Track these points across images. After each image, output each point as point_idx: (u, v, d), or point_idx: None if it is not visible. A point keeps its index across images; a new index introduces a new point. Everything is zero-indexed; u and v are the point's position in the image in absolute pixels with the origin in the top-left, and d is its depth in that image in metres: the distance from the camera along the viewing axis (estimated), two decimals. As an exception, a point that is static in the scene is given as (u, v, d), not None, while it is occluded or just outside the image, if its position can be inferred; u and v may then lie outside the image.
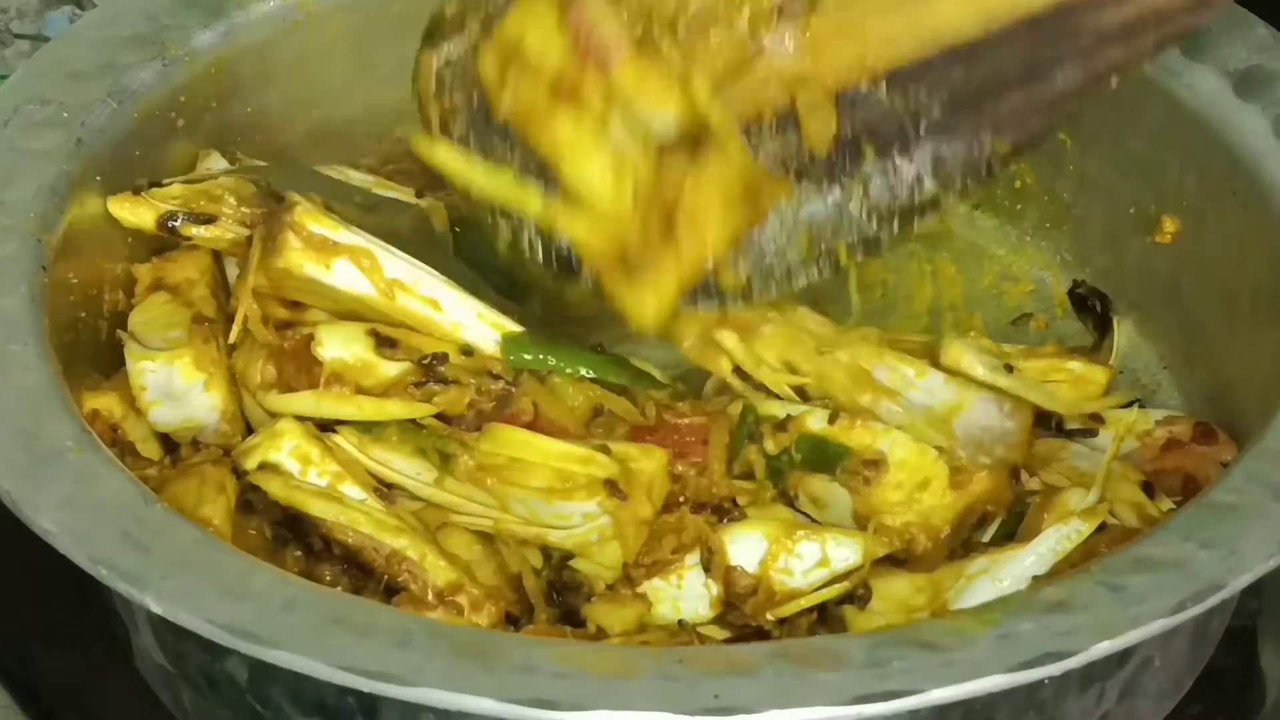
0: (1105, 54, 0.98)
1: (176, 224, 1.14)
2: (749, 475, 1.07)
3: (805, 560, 1.02)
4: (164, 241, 1.15)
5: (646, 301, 1.03)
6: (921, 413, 1.07)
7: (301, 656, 0.82)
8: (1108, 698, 0.96)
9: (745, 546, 1.02)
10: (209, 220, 1.14)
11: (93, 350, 1.10)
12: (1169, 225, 1.19)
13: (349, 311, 1.09)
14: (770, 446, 1.07)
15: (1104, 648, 0.84)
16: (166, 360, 1.10)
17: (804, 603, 1.01)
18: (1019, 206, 1.29)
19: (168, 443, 1.09)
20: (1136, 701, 0.98)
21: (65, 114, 1.12)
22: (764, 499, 1.06)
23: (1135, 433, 1.12)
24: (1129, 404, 1.19)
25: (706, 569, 1.01)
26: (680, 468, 1.05)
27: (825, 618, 1.02)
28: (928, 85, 0.99)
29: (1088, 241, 1.24)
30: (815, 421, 1.06)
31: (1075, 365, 1.15)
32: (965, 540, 1.06)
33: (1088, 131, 1.22)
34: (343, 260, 1.08)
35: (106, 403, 1.07)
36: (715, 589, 1.01)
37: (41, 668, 1.07)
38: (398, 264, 1.09)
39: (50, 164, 1.09)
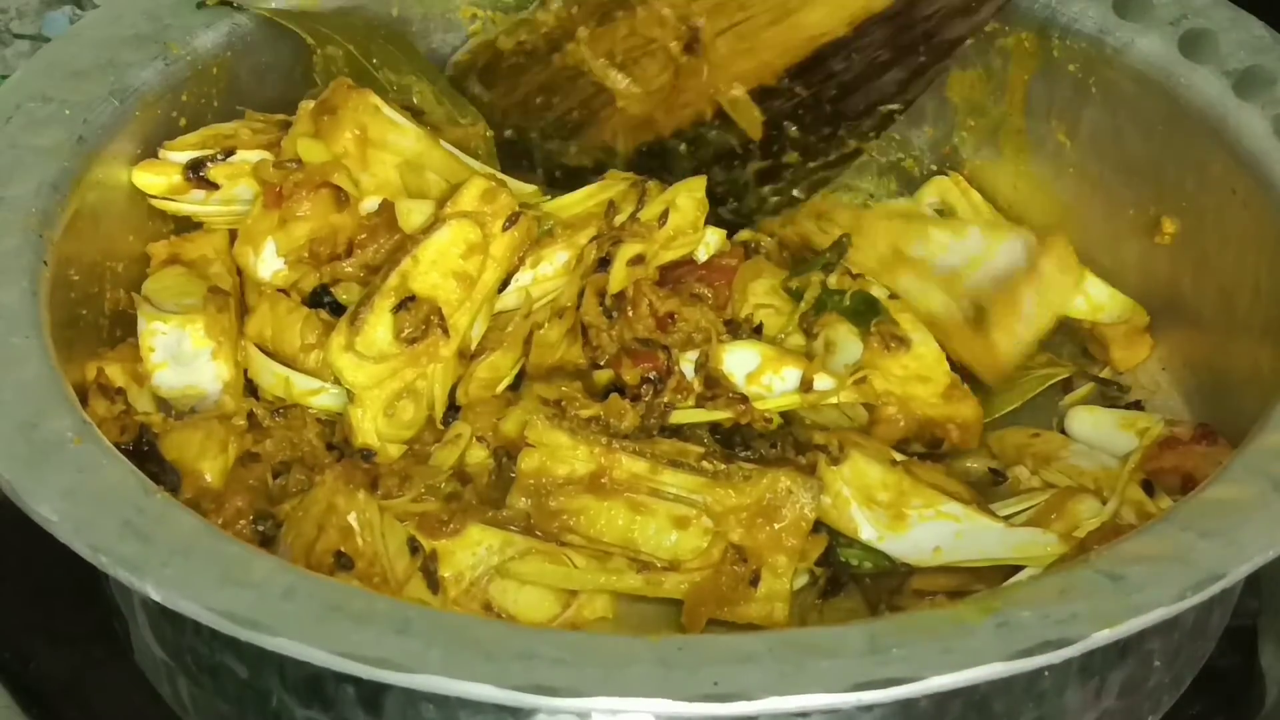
0: (950, 30, 1.19)
1: (204, 169, 1.15)
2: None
3: (786, 383, 1.15)
4: (173, 229, 1.17)
5: None
6: (940, 278, 1.17)
7: (301, 643, 0.82)
8: (1107, 693, 0.96)
9: (740, 360, 1.16)
10: (231, 152, 1.16)
11: (94, 345, 1.11)
12: (1169, 225, 1.19)
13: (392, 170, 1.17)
14: (833, 281, 1.19)
15: (1103, 636, 0.84)
16: (179, 324, 1.11)
17: (770, 405, 1.14)
18: (1019, 207, 1.29)
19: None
20: (1136, 698, 0.98)
21: (67, 111, 1.12)
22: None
23: (1149, 437, 1.12)
24: (1132, 404, 1.20)
25: (698, 369, 1.15)
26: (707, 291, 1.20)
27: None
28: (821, 75, 1.21)
29: (1088, 241, 1.24)
30: (877, 290, 1.18)
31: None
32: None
33: (1088, 132, 1.23)
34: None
35: (111, 370, 1.09)
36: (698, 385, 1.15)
37: (42, 666, 1.08)
38: None
39: (52, 161, 1.09)
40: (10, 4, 1.55)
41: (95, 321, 1.11)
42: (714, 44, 1.22)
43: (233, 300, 1.14)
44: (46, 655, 1.08)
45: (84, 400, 1.04)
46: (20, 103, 1.12)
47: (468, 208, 1.12)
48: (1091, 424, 1.17)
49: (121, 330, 1.13)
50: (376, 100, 1.17)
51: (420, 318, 1.09)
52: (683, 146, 1.27)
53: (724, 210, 1.28)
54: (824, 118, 1.24)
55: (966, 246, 1.18)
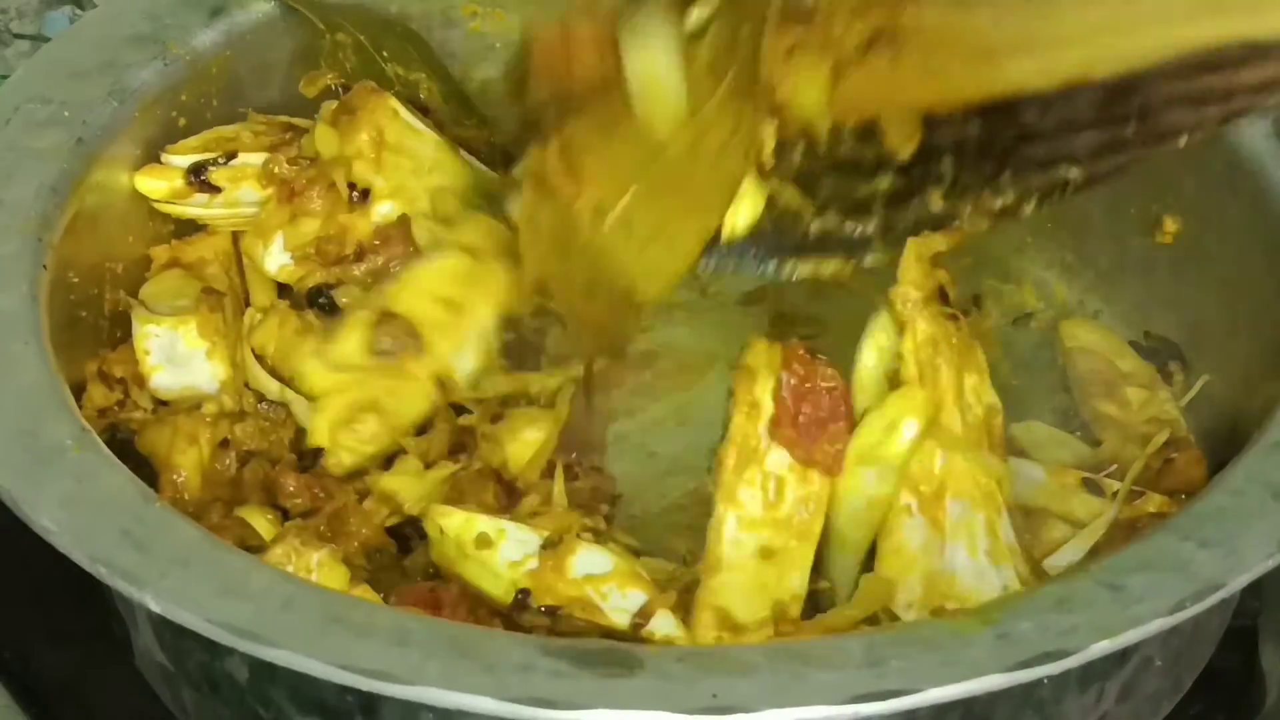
0: (1170, 117, 1.01)
1: (205, 173, 1.15)
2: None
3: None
4: (174, 230, 1.17)
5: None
6: None
7: (300, 655, 0.82)
8: (1107, 697, 0.96)
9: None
10: (233, 155, 1.16)
11: (94, 349, 1.11)
12: (1169, 225, 1.19)
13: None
14: None
15: (1103, 647, 0.84)
16: (171, 325, 1.12)
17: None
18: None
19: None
20: (1136, 701, 0.98)
21: (66, 113, 1.12)
22: None
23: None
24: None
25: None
26: None
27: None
28: (1007, 120, 1.04)
29: (1089, 241, 1.24)
30: None
31: None
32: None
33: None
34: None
35: (113, 370, 1.10)
36: None
37: (41, 667, 1.08)
38: None
39: (51, 163, 1.09)
40: (10, 4, 1.55)
41: (95, 324, 1.11)
42: (898, 60, 1.04)
43: (229, 300, 1.14)
44: (47, 655, 1.08)
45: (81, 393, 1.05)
46: (19, 104, 1.12)
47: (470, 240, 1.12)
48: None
49: (122, 332, 1.13)
50: (395, 104, 1.17)
51: (397, 334, 1.09)
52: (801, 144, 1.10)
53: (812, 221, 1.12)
54: (990, 156, 1.06)
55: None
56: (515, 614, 0.99)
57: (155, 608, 0.85)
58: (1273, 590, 1.10)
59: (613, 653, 0.85)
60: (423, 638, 0.84)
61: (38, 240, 1.04)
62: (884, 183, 1.08)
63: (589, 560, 0.99)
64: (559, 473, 1.07)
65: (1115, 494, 1.07)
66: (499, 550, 1.00)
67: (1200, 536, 0.89)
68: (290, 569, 0.98)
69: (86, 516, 0.89)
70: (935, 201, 1.07)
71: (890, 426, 1.01)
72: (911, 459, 1.02)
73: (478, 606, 0.99)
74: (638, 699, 0.81)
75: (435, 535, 1.02)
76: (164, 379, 1.11)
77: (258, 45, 1.22)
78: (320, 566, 0.99)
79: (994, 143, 1.05)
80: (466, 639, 0.85)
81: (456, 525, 1.01)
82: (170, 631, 0.96)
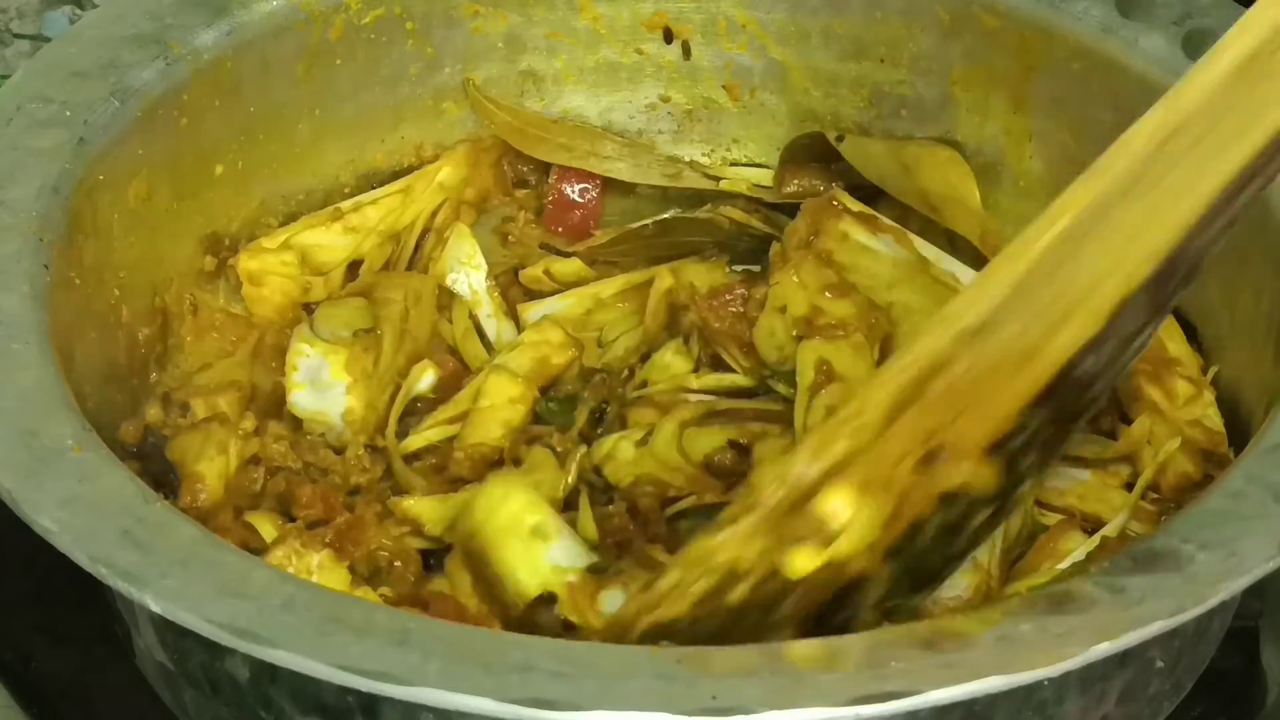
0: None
1: None
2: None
3: None
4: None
5: None
6: None
7: (300, 656, 0.82)
8: (1108, 699, 0.95)
9: None
10: None
11: (95, 352, 1.11)
12: (1171, 225, 1.18)
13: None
14: None
15: (1103, 649, 0.84)
16: (323, 351, 1.15)
17: None
18: (1021, 207, 1.28)
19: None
20: (1138, 703, 0.98)
21: (68, 113, 1.12)
22: None
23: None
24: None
25: None
26: None
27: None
28: (1070, 386, 0.93)
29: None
30: None
31: None
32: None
33: (1089, 132, 1.22)
34: (885, 235, 1.23)
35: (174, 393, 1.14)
36: None
37: (42, 667, 1.08)
38: (924, 243, 1.24)
39: (53, 163, 1.09)
40: (10, 4, 1.55)
41: (96, 326, 1.11)
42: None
43: (388, 343, 1.17)
44: (47, 655, 1.08)
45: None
46: (21, 104, 1.12)
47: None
48: None
49: (123, 334, 1.13)
50: None
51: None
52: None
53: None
54: (1065, 422, 0.94)
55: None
56: (533, 609, 1.00)
57: (155, 608, 0.85)
58: (1274, 592, 1.10)
59: (612, 654, 0.85)
60: (422, 638, 0.83)
61: (39, 241, 1.04)
62: (979, 519, 0.95)
63: (616, 601, 1.00)
64: (583, 500, 1.09)
65: (1143, 495, 1.08)
66: (549, 548, 1.01)
67: (1201, 538, 0.89)
68: (291, 570, 0.98)
69: (87, 516, 0.89)
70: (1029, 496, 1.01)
71: None
72: None
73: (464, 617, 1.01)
74: (638, 699, 0.81)
75: (495, 496, 1.03)
76: (303, 398, 1.15)
77: (260, 45, 1.22)
78: (320, 568, 1.00)
79: (1065, 411, 0.94)
80: (466, 639, 0.85)
81: (522, 503, 1.02)
82: (171, 632, 0.96)
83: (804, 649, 0.85)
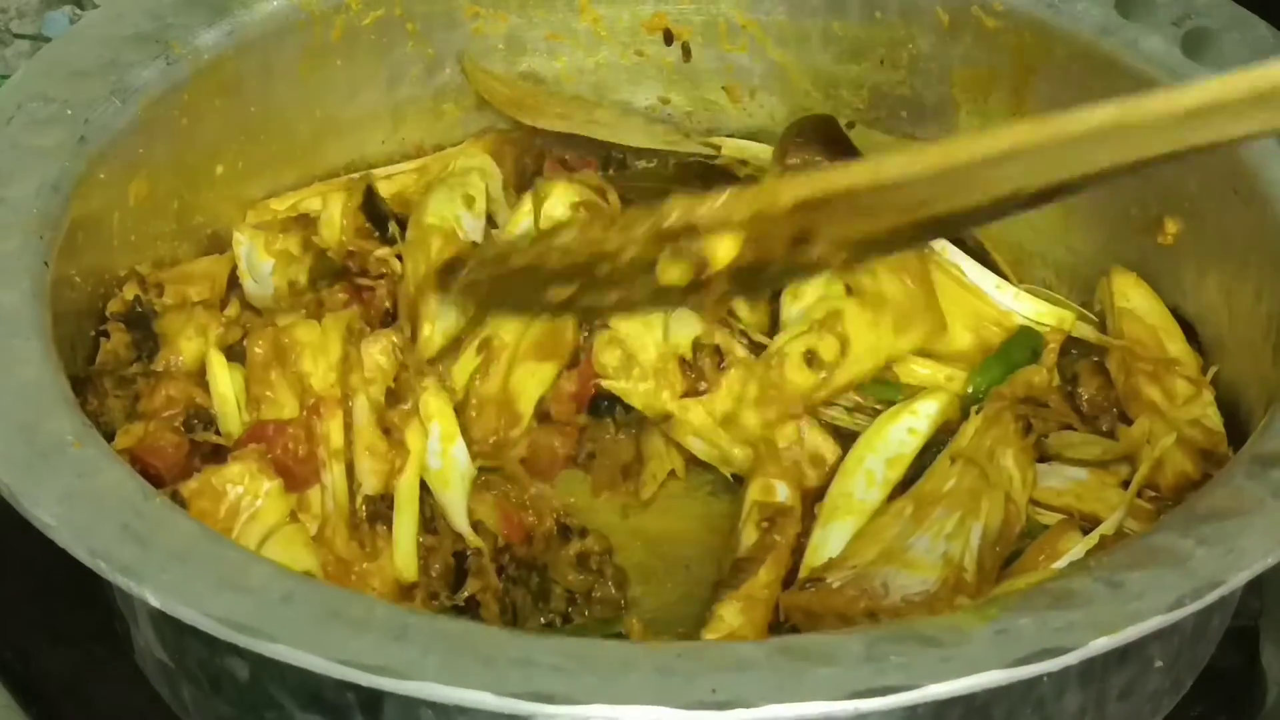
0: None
1: None
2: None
3: None
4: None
5: None
6: None
7: (299, 650, 0.82)
8: (1108, 696, 0.96)
9: None
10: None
11: (94, 348, 1.11)
12: (1170, 225, 1.18)
13: None
14: None
15: (1102, 644, 0.84)
16: (250, 237, 1.20)
17: None
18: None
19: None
20: (1137, 701, 0.98)
21: (69, 111, 1.12)
22: None
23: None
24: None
25: None
26: None
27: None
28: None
29: (1089, 242, 1.24)
30: None
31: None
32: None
33: (1090, 132, 1.22)
34: None
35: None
36: None
37: (42, 666, 1.07)
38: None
39: (53, 161, 1.09)
40: (10, 4, 1.55)
41: (97, 324, 1.12)
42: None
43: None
44: (47, 654, 1.08)
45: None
46: (21, 102, 1.12)
47: None
48: None
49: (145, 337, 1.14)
50: None
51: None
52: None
53: None
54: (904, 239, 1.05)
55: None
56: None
57: (154, 602, 0.85)
58: (1274, 590, 1.10)
59: (611, 648, 0.85)
60: (422, 633, 0.83)
61: (39, 238, 1.05)
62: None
63: None
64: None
65: (1142, 495, 1.08)
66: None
67: (1200, 534, 0.89)
68: (240, 489, 1.01)
69: (86, 511, 0.89)
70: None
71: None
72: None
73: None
74: (637, 693, 0.81)
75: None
76: (250, 285, 1.19)
77: (261, 45, 1.22)
78: (267, 496, 1.01)
79: (915, 237, 1.06)
80: (466, 634, 0.85)
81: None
82: (171, 628, 0.96)
83: (804, 643, 0.85)
